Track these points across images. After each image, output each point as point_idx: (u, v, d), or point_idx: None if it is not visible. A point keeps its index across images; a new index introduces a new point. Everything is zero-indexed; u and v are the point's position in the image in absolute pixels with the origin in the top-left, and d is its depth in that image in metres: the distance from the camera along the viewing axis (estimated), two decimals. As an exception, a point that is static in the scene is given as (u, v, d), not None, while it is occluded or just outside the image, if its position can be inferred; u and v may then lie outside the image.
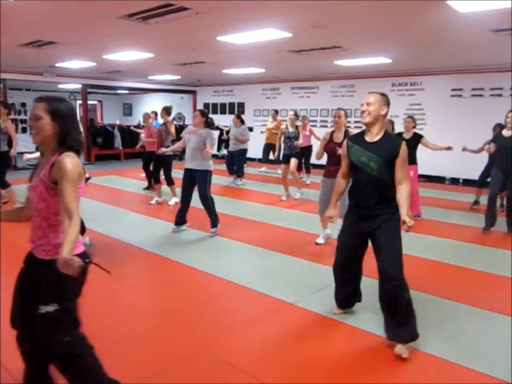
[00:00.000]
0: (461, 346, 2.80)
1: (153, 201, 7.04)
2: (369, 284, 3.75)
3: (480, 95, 9.30)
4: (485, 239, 5.24)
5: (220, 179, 9.28)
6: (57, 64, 9.83)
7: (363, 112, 2.75)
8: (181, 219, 5.38)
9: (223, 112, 14.03)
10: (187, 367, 2.53)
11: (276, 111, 10.40)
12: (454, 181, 9.80)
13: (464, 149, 6.25)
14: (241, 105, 13.70)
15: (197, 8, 4.65)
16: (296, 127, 7.19)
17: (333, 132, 4.73)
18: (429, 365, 2.59)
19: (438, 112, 9.83)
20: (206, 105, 14.83)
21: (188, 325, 3.05)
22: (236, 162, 9.09)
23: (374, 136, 2.77)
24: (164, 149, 6.07)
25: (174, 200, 6.99)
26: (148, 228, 5.65)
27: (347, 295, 3.15)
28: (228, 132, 9.68)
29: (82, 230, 4.19)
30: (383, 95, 2.78)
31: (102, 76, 12.39)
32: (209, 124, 5.29)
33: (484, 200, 6.01)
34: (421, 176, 10.04)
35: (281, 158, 7.52)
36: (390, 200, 2.77)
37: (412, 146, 6.01)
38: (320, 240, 4.95)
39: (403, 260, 2.77)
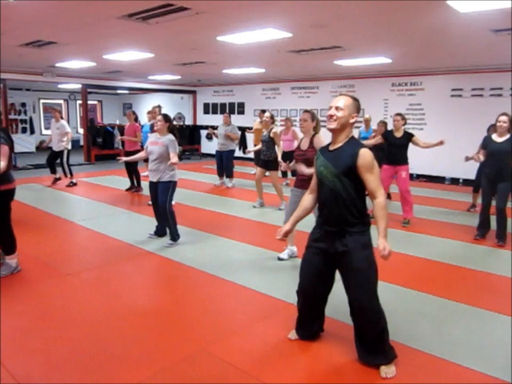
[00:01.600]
0: (461, 346, 2.80)
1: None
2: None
3: (480, 95, 9.30)
4: (485, 239, 5.23)
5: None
6: (57, 64, 9.84)
7: (330, 117, 2.42)
8: (161, 230, 5.13)
9: (223, 112, 14.02)
10: (187, 367, 2.53)
11: (263, 111, 9.92)
12: (454, 181, 9.80)
13: (468, 159, 5.87)
14: (241, 105, 13.72)
15: (197, 8, 4.65)
16: (271, 130, 6.74)
17: (303, 138, 4.19)
18: (428, 365, 2.59)
19: (438, 112, 9.83)
20: (206, 105, 14.85)
21: (188, 325, 3.05)
22: (224, 164, 8.68)
23: (336, 144, 2.47)
24: (123, 158, 5.46)
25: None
26: (147, 228, 5.64)
27: (309, 325, 2.79)
28: (214, 131, 9.06)
29: (13, 249, 3.88)
30: (356, 100, 2.48)
31: (102, 76, 12.39)
32: (173, 130, 4.88)
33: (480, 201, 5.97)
34: (421, 176, 10.13)
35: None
36: (357, 216, 2.41)
37: (402, 145, 5.85)
38: (283, 255, 4.44)
39: (377, 288, 2.46)
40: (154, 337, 2.88)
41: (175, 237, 4.87)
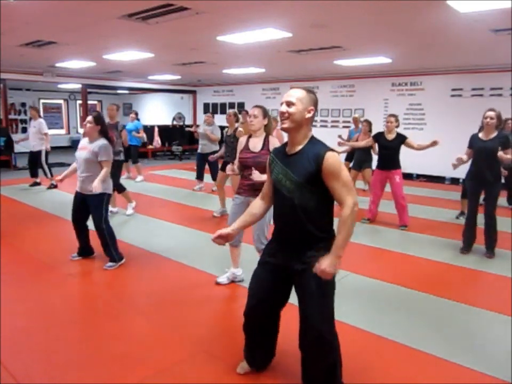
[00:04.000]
0: (461, 346, 2.80)
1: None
2: (367, 284, 3.76)
3: (480, 95, 9.30)
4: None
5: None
6: (57, 64, 9.84)
7: (282, 114, 2.06)
8: (85, 250, 4.37)
9: (223, 112, 14.04)
10: (187, 367, 2.53)
11: (246, 111, 9.06)
12: (454, 181, 9.79)
13: (456, 165, 4.67)
14: (241, 105, 13.70)
15: (197, 8, 4.65)
16: (236, 129, 5.99)
17: (249, 137, 3.55)
18: (429, 365, 2.59)
19: (438, 112, 9.83)
20: (206, 105, 14.84)
21: (188, 325, 3.05)
22: (209, 166, 7.66)
23: (295, 146, 2.10)
24: (59, 178, 4.21)
25: (131, 207, 6.27)
26: (146, 227, 5.65)
27: (259, 352, 2.44)
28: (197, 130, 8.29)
29: None
30: (310, 91, 2.11)
31: (102, 76, 12.39)
32: (106, 133, 4.10)
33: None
34: (421, 176, 10.13)
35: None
36: (321, 230, 2.07)
37: (395, 149, 5.57)
38: (222, 279, 3.74)
39: (333, 316, 2.19)
40: (154, 337, 2.87)
41: (115, 257, 4.14)
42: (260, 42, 6.42)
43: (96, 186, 3.78)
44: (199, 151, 8.01)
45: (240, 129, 6.06)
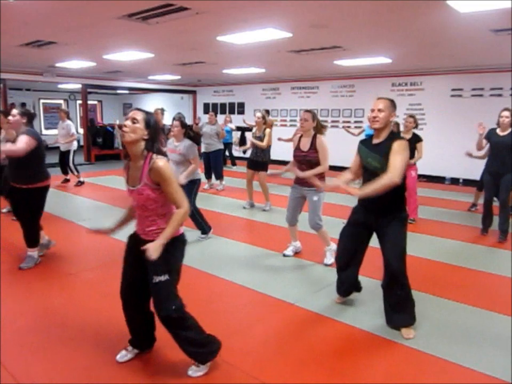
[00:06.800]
0: (461, 346, 2.80)
1: None
2: (368, 284, 3.76)
3: (480, 95, 9.30)
4: (485, 239, 5.23)
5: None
6: (57, 64, 9.84)
7: (374, 118, 2.83)
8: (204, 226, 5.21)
9: (223, 112, 14.04)
10: (187, 367, 2.53)
11: (267, 111, 9.48)
12: (454, 181, 9.80)
13: (469, 154, 5.58)
14: (241, 105, 13.71)
15: (197, 8, 4.65)
16: (264, 130, 6.54)
17: (300, 137, 4.17)
18: (429, 365, 2.59)
19: (438, 112, 9.83)
20: (206, 105, 14.84)
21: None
22: (213, 165, 8.14)
23: (380, 138, 2.90)
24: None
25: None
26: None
27: (347, 284, 3.28)
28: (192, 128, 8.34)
29: (38, 242, 4.26)
30: (392, 101, 2.91)
31: (102, 76, 12.39)
32: (189, 134, 4.91)
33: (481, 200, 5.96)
34: (421, 176, 10.10)
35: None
36: (399, 203, 2.92)
37: (410, 148, 5.86)
38: (288, 251, 4.56)
39: (406, 257, 2.93)
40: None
41: (206, 230, 5.12)
42: (259, 42, 6.41)
43: (181, 179, 4.49)
44: (203, 150, 8.15)
45: (268, 130, 6.57)
